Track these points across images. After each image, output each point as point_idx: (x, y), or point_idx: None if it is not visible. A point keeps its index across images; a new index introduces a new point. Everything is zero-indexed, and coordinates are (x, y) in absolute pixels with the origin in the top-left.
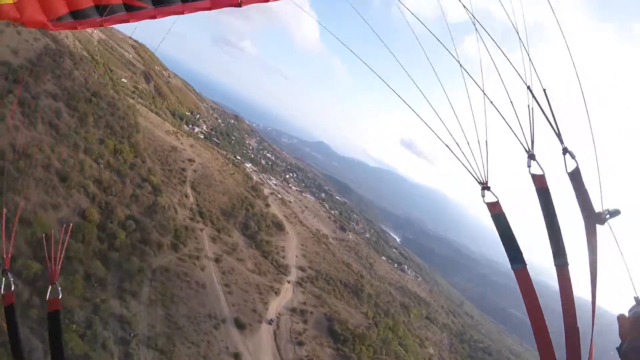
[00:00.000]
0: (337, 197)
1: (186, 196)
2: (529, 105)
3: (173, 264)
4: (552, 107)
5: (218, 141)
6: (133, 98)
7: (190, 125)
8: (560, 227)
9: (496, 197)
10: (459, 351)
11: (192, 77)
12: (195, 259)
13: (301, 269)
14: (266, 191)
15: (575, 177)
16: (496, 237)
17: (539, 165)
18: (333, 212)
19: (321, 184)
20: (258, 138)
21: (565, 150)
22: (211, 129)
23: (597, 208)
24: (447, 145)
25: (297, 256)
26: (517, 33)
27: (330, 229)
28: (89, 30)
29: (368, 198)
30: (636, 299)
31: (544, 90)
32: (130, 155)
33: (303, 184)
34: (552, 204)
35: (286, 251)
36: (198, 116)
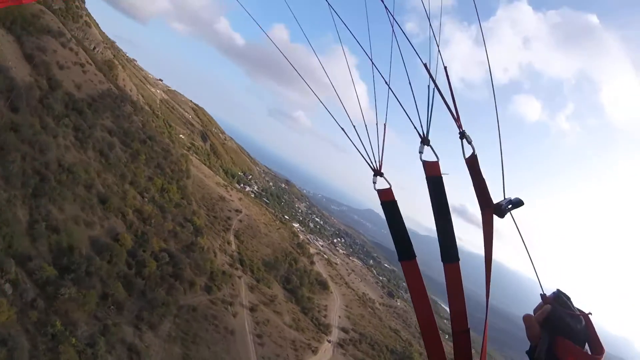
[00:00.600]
0: (386, 265)
1: (228, 243)
2: (428, 86)
3: (203, 305)
4: (452, 87)
5: (268, 201)
6: (188, 151)
7: (242, 185)
8: (451, 219)
9: (389, 183)
10: None
11: (247, 143)
12: (229, 304)
13: (344, 330)
14: (312, 250)
15: (472, 164)
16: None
17: (433, 151)
18: (381, 277)
19: (369, 251)
20: (308, 203)
21: (462, 135)
22: (262, 190)
23: (498, 199)
24: (342, 128)
25: (340, 317)
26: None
27: (378, 294)
28: (152, 89)
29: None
30: (542, 296)
31: (445, 68)
32: (176, 195)
33: (351, 249)
34: (444, 193)
35: (328, 310)
36: (250, 177)
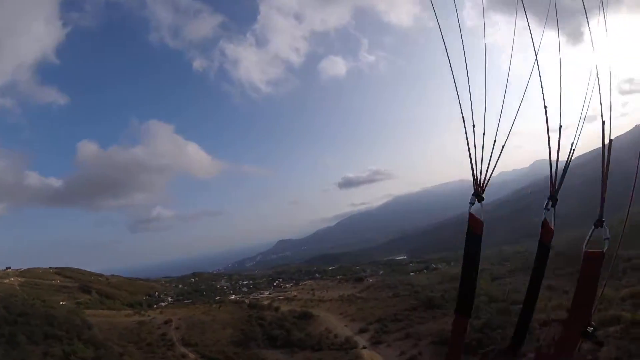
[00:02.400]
0: (331, 268)
1: (184, 357)
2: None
3: None
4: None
5: (190, 300)
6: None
7: (155, 306)
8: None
9: (482, 217)
10: None
11: (130, 271)
12: None
13: (362, 330)
14: (265, 302)
15: (593, 265)
16: None
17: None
18: (338, 277)
19: (308, 270)
20: (226, 277)
21: (600, 223)
22: (178, 296)
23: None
24: (465, 130)
25: (346, 325)
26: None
27: (349, 287)
28: (6, 281)
29: (353, 251)
30: None
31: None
32: (88, 351)
33: (293, 280)
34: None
35: (332, 330)
36: (157, 293)
